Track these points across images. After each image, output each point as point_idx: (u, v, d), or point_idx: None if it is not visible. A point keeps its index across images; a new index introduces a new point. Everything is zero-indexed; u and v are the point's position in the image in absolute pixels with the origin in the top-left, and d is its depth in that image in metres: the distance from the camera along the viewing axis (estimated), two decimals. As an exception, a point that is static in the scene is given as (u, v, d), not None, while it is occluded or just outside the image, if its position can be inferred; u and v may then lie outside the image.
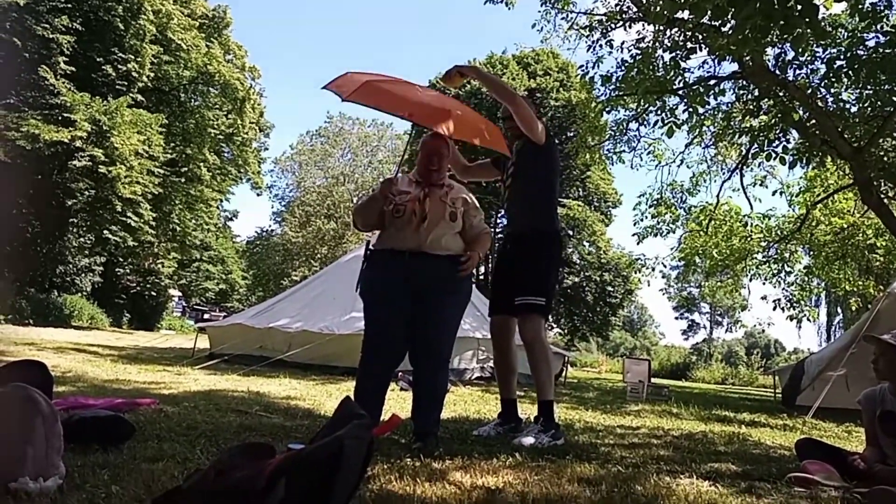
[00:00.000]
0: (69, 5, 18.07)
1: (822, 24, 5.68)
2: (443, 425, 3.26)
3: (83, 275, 25.37)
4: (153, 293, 30.24)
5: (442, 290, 2.97)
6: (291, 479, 1.78)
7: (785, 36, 4.34)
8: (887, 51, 7.64)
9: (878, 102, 8.43)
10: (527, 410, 5.07)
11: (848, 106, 9.47)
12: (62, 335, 13.05)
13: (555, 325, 32.47)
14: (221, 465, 1.87)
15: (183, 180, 23.32)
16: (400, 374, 5.95)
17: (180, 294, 38.68)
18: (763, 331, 53.57)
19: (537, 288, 3.49)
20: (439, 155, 3.09)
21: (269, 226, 40.74)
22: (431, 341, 2.98)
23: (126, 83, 20.44)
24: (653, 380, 10.62)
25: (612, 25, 10.77)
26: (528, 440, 3.16)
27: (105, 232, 19.89)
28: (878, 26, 7.89)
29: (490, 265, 29.99)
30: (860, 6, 6.26)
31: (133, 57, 20.46)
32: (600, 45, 10.68)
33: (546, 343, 3.56)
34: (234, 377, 6.29)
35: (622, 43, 10.56)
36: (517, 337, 3.61)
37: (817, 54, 9.05)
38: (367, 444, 2.00)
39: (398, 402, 4.48)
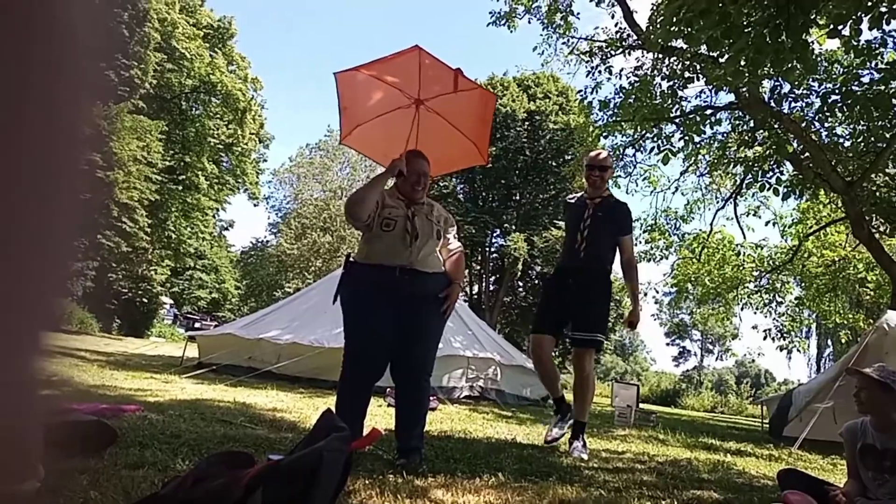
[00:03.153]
0: (75, 10, 18.19)
1: (817, 58, 5.80)
2: (428, 443, 3.26)
3: (75, 279, 25.26)
4: (145, 300, 30.08)
5: (428, 306, 3.01)
6: (269, 489, 1.78)
7: (777, 69, 4.43)
8: (881, 87, 7.76)
9: (872, 138, 8.55)
10: (513, 431, 5.07)
11: (841, 140, 9.58)
12: (49, 338, 12.94)
13: (546, 347, 32.34)
14: (199, 472, 1.87)
15: (180, 188, 23.38)
16: (388, 389, 5.94)
17: (172, 302, 38.47)
18: (753, 360, 53.66)
19: (602, 326, 4.03)
20: (423, 176, 3.14)
21: (265, 237, 40.69)
22: (416, 356, 3.00)
23: (128, 89, 20.54)
24: (641, 405, 10.59)
25: (612, 52, 10.95)
26: (584, 454, 3.77)
27: (99, 236, 19.85)
28: (873, 63, 8.01)
29: (484, 285, 30.00)
30: (855, 43, 6.37)
31: (136, 63, 20.61)
32: (599, 71, 10.84)
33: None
34: (222, 387, 6.26)
35: (621, 70, 10.69)
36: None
37: (812, 88, 9.18)
38: (345, 457, 2.01)
39: (384, 418, 4.46)
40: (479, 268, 29.95)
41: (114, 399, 4.24)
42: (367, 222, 3.04)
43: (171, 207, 23.01)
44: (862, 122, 8.49)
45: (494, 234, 29.55)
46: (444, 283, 3.08)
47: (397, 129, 3.46)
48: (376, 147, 3.63)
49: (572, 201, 4.40)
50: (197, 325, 33.16)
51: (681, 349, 56.33)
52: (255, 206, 32.24)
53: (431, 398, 5.96)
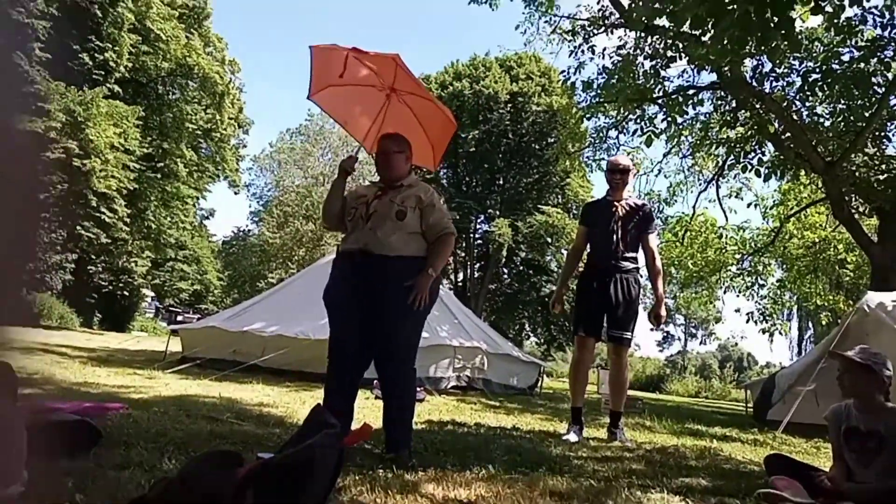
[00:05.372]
0: (46, -12, 17.66)
1: (799, 36, 5.80)
2: (417, 436, 3.24)
3: (54, 272, 24.81)
4: (126, 293, 29.61)
5: (395, 292, 2.86)
6: (260, 489, 1.75)
7: (762, 47, 4.45)
8: (860, 65, 7.80)
9: (851, 117, 8.61)
10: (501, 420, 5.08)
11: (822, 120, 9.63)
12: (30, 335, 12.70)
13: (531, 335, 32.48)
14: (188, 473, 1.84)
15: (159, 176, 22.95)
16: (375, 381, 5.91)
17: (153, 294, 38.01)
18: (736, 344, 54.31)
19: (634, 324, 4.36)
20: (385, 155, 3.09)
21: (247, 226, 40.23)
22: (389, 344, 2.91)
23: (103, 73, 20.06)
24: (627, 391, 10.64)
25: (595, 31, 10.87)
26: (628, 441, 4.21)
27: (78, 227, 19.49)
28: (853, 41, 8.04)
29: (469, 272, 30.00)
30: (836, 20, 6.38)
31: (110, 46, 20.09)
32: (582, 51, 10.75)
33: None
34: (207, 382, 6.20)
35: (604, 49, 10.61)
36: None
37: (793, 67, 9.21)
38: (337, 454, 1.98)
39: (373, 411, 4.44)
40: (463, 255, 29.92)
41: (97, 397, 4.17)
42: (340, 225, 3.17)
43: (151, 196, 22.56)
44: (842, 101, 8.54)
45: (479, 220, 29.51)
46: (416, 269, 2.91)
47: (366, 104, 3.51)
48: (342, 110, 3.68)
49: (595, 203, 4.76)
50: (179, 318, 32.83)
51: (665, 334, 56.62)
52: (235, 193, 31.83)
53: (419, 389, 5.95)
